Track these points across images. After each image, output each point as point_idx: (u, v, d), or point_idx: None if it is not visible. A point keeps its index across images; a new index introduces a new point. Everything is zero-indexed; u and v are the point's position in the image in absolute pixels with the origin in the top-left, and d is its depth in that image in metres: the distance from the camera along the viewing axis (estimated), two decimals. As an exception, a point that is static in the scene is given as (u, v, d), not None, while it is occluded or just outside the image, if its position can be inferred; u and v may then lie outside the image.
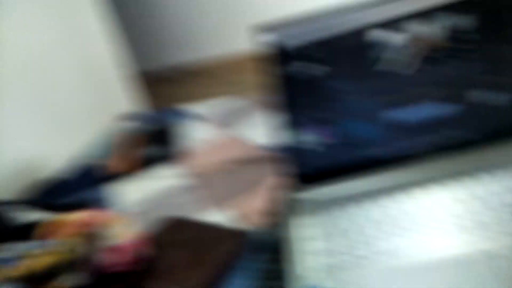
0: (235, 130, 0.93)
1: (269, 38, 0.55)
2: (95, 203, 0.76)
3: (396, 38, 0.54)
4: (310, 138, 0.58)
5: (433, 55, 0.54)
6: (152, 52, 2.79)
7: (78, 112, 1.15)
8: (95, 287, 0.53)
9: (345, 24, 0.54)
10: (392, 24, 0.53)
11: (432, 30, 0.53)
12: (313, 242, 0.52)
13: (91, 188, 0.85)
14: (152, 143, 0.94)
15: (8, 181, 0.90)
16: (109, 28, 1.39)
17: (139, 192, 0.80)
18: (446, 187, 0.53)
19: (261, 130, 0.85)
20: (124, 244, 0.57)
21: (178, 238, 0.62)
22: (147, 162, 0.88)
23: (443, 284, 0.43)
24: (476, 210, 0.49)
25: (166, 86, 2.60)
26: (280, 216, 0.60)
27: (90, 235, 0.55)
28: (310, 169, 0.60)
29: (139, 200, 0.77)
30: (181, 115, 1.06)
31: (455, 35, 0.53)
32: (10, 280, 0.51)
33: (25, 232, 0.57)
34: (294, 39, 0.55)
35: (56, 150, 1.01)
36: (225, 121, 0.98)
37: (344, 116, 0.57)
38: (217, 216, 0.68)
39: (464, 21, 0.53)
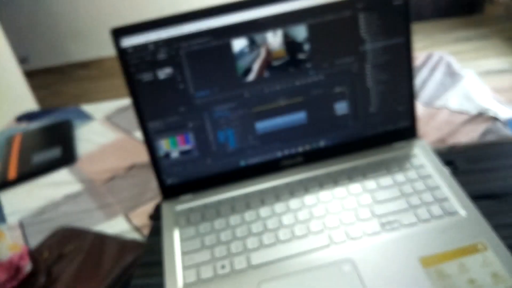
0: (133, 132, 0.93)
1: (121, 42, 0.54)
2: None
3: (244, 45, 0.55)
4: (169, 145, 0.59)
5: (275, 65, 0.57)
6: (51, 50, 2.68)
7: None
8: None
9: (197, 28, 0.54)
10: (240, 31, 0.55)
11: (273, 40, 0.56)
12: (190, 255, 0.53)
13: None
14: (48, 145, 0.91)
15: None
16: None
17: (32, 200, 0.77)
18: (309, 191, 0.58)
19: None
20: (2, 261, 0.56)
21: (69, 250, 0.61)
22: (42, 167, 0.85)
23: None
24: (336, 211, 0.55)
25: (64, 84, 2.50)
26: (157, 228, 0.60)
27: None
28: (175, 178, 0.60)
29: (31, 209, 0.75)
30: (79, 115, 1.04)
31: (292, 46, 0.56)
32: None
33: None
34: (144, 43, 0.54)
35: None
36: (123, 123, 0.97)
37: (201, 123, 0.58)
38: (115, 225, 0.67)
39: (299, 32, 0.56)
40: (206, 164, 0.61)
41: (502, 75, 1.92)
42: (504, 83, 1.86)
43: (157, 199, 0.71)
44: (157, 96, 0.57)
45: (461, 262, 0.48)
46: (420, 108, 0.82)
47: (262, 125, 0.60)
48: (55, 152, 0.89)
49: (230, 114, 0.59)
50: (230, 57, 0.56)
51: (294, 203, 0.57)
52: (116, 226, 0.68)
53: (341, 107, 0.61)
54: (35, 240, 0.67)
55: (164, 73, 0.56)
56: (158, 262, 0.54)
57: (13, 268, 0.57)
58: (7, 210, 0.76)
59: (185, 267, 0.52)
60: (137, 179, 0.78)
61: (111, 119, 1.00)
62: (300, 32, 0.56)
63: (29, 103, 1.72)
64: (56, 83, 2.62)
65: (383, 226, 0.52)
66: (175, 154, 0.60)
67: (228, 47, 0.56)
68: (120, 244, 0.62)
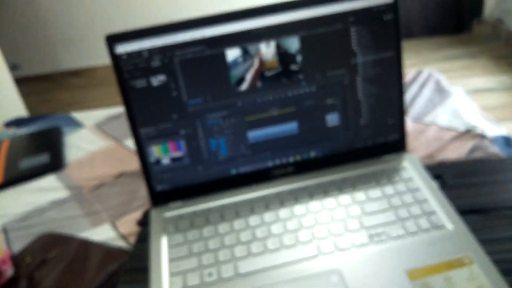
0: (123, 141, 0.92)
1: (116, 48, 0.54)
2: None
3: (238, 55, 0.56)
4: (160, 152, 0.59)
5: (268, 75, 0.58)
6: (43, 57, 2.69)
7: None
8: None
9: (191, 37, 0.55)
10: (234, 41, 0.56)
11: (267, 50, 0.57)
12: (177, 262, 0.53)
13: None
14: (36, 151, 0.90)
15: None
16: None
17: (18, 205, 0.76)
18: (299, 201, 0.59)
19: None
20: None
21: (52, 256, 0.60)
22: (29, 172, 0.84)
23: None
24: (325, 222, 0.55)
25: (55, 92, 2.50)
26: (145, 235, 0.60)
27: None
28: (165, 184, 0.60)
29: (16, 214, 0.73)
30: (68, 122, 1.04)
31: (285, 57, 0.57)
32: None
33: None
34: (138, 50, 0.54)
35: None
36: (113, 131, 0.97)
37: (193, 131, 0.58)
38: (101, 232, 0.66)
39: (292, 43, 0.57)
40: (197, 171, 0.61)
41: (490, 93, 1.96)
42: (492, 102, 1.90)
43: (145, 207, 0.70)
44: (150, 103, 0.57)
45: (447, 275, 0.48)
46: (409, 124, 0.83)
47: (254, 134, 0.60)
48: (43, 158, 0.88)
49: (223, 123, 0.59)
50: (223, 66, 0.57)
51: (283, 212, 0.57)
52: (102, 233, 0.67)
53: (332, 119, 0.61)
54: (19, 245, 0.66)
55: (157, 80, 0.56)
56: (144, 269, 0.54)
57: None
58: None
59: (171, 274, 0.52)
60: (125, 187, 0.77)
61: (101, 127, 0.99)
62: (293, 43, 0.57)
63: (19, 110, 1.71)
64: (47, 90, 2.61)
65: (372, 237, 0.53)
66: (166, 160, 0.60)
67: (222, 56, 0.56)
68: (105, 251, 0.61)
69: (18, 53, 2.72)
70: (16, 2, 2.58)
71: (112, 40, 0.54)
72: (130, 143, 0.91)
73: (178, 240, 0.56)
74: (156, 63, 0.55)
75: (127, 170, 0.82)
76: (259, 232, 0.55)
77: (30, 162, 0.88)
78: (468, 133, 0.77)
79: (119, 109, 1.06)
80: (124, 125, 0.97)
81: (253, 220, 0.57)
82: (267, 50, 0.57)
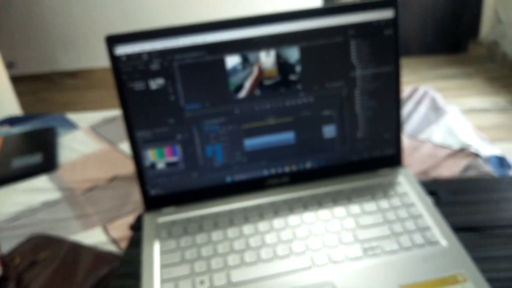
0: (117, 144, 0.92)
1: (115, 49, 0.54)
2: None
3: (237, 62, 0.56)
4: (155, 156, 0.58)
5: (267, 84, 0.58)
6: (41, 57, 2.68)
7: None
8: None
9: (192, 42, 0.55)
10: (234, 48, 0.56)
11: (266, 59, 0.57)
12: (169, 268, 0.52)
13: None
14: (29, 151, 0.89)
15: None
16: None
17: (9, 205, 0.75)
18: (293, 211, 0.58)
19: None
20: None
21: (42, 257, 0.59)
22: (21, 172, 0.83)
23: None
24: (319, 233, 0.55)
25: (51, 92, 2.49)
26: (137, 239, 0.59)
27: None
28: (159, 189, 0.60)
29: (6, 214, 0.72)
30: (63, 123, 1.03)
31: (284, 66, 0.57)
32: None
33: None
34: (138, 52, 0.54)
35: None
36: (108, 134, 0.96)
37: (189, 136, 0.58)
38: (92, 236, 0.65)
39: (292, 53, 0.57)
40: (192, 177, 0.60)
41: (484, 113, 1.98)
42: (486, 122, 1.92)
43: (137, 212, 0.70)
44: (147, 106, 0.57)
45: (440, 291, 0.48)
46: (404, 140, 0.83)
47: (251, 142, 0.60)
48: (36, 158, 0.87)
49: (219, 129, 0.59)
50: (222, 73, 0.57)
51: (278, 222, 0.57)
52: (93, 237, 0.66)
53: (329, 130, 0.61)
54: (8, 246, 0.64)
55: (156, 83, 0.56)
56: (135, 274, 0.53)
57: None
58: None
59: (163, 280, 0.51)
60: (118, 191, 0.77)
61: (96, 130, 0.99)
62: (293, 53, 0.57)
63: (13, 108, 1.69)
64: (43, 90, 2.60)
65: (365, 251, 0.52)
66: (161, 165, 0.59)
67: (222, 63, 0.56)
68: (96, 255, 0.60)
69: (15, 51, 2.71)
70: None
71: (112, 41, 0.54)
72: (124, 146, 0.90)
73: (171, 246, 0.55)
74: (155, 66, 0.55)
75: (121, 173, 0.81)
76: (252, 241, 0.55)
77: (23, 161, 0.87)
78: (462, 151, 0.77)
79: (115, 112, 1.06)
80: (119, 128, 0.97)
81: (247, 229, 0.56)
82: (267, 59, 0.57)
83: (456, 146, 0.79)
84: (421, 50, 2.63)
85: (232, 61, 0.56)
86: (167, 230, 0.58)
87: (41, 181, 0.81)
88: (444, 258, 0.51)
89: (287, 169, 0.62)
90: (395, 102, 0.62)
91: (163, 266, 0.53)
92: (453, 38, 2.59)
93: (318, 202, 0.60)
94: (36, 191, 0.79)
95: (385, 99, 0.61)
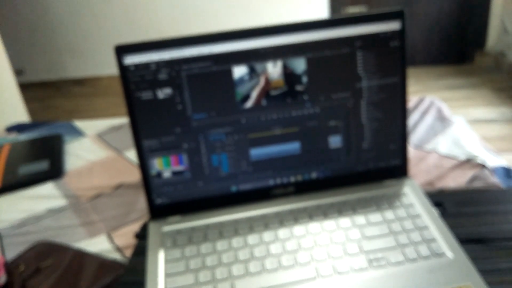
0: (124, 152, 0.92)
1: (124, 59, 0.54)
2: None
3: (244, 73, 0.56)
4: (161, 165, 0.59)
5: (273, 94, 0.58)
6: (48, 64, 2.71)
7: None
8: None
9: (199, 53, 0.55)
10: (241, 58, 0.56)
11: (273, 70, 0.57)
12: (173, 278, 0.52)
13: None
14: (36, 158, 0.90)
15: None
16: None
17: (14, 211, 0.75)
18: (298, 221, 0.58)
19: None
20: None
21: (46, 265, 0.59)
22: (27, 179, 0.84)
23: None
24: (324, 244, 0.54)
25: (58, 99, 2.51)
26: (142, 248, 0.59)
27: None
28: (165, 198, 0.60)
29: (12, 221, 0.72)
30: (70, 130, 1.04)
31: (291, 77, 0.57)
32: None
33: None
34: (146, 62, 0.55)
35: None
36: (115, 142, 0.97)
37: (195, 146, 0.58)
38: (97, 243, 0.65)
39: (299, 64, 0.57)
40: (198, 186, 0.61)
41: (490, 124, 1.97)
42: (492, 133, 1.91)
43: (142, 220, 0.70)
44: (154, 115, 0.57)
45: (446, 304, 0.47)
46: (410, 150, 0.83)
47: (256, 152, 0.60)
48: (42, 165, 0.88)
49: (226, 139, 0.59)
50: (229, 83, 0.57)
51: (282, 232, 0.57)
52: (98, 244, 0.66)
53: (334, 141, 0.61)
54: (13, 252, 0.65)
55: (163, 93, 0.56)
56: (140, 283, 0.53)
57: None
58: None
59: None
60: (124, 199, 0.77)
61: (102, 137, 0.99)
62: (300, 64, 0.58)
63: (21, 115, 1.71)
64: (50, 97, 2.62)
65: (371, 262, 0.52)
66: (167, 174, 0.59)
67: (229, 73, 0.57)
68: (100, 263, 0.60)
69: (24, 58, 2.74)
70: (25, 7, 2.61)
71: (121, 51, 0.55)
72: (130, 154, 0.90)
73: (176, 255, 0.55)
74: (163, 76, 0.56)
75: (126, 181, 0.81)
76: (257, 251, 0.54)
77: (29, 168, 0.87)
78: (469, 162, 0.77)
79: (121, 120, 1.06)
80: (125, 136, 0.97)
81: (252, 238, 0.56)
82: (273, 69, 0.57)
83: (462, 156, 0.79)
84: (427, 60, 2.62)
85: (239, 71, 0.57)
86: (172, 239, 0.58)
87: (47, 188, 0.82)
88: (450, 270, 0.50)
89: (292, 179, 0.62)
90: (401, 113, 0.62)
91: (167, 275, 0.53)
92: (460, 48, 2.59)
93: (323, 212, 0.59)
94: (42, 198, 0.79)
95: (391, 110, 0.61)
